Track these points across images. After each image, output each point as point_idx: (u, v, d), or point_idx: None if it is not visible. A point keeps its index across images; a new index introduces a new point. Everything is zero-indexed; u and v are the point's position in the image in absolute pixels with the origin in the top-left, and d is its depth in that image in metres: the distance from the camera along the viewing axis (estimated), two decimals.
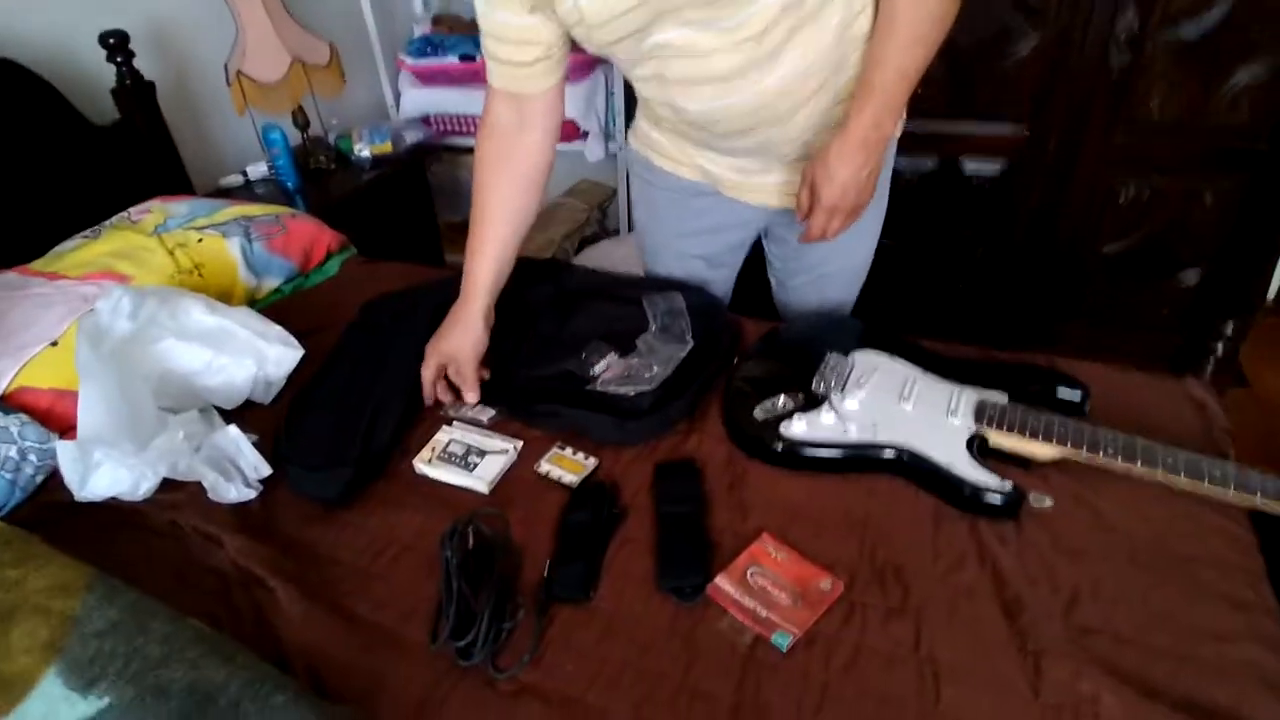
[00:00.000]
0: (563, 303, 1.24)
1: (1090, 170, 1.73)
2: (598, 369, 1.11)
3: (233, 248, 1.28)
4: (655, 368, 1.08)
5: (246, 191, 1.79)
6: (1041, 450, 0.92)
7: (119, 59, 1.50)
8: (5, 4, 1.42)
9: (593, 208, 2.59)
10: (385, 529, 0.91)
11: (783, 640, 0.76)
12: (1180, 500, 0.88)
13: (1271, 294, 2.30)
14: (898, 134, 1.16)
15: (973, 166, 1.82)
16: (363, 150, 1.92)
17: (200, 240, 1.27)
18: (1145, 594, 0.79)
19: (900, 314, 2.05)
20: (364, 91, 2.26)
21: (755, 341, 1.15)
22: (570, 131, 2.14)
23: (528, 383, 1.10)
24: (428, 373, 1.09)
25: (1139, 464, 0.87)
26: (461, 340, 1.10)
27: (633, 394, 1.05)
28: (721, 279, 1.32)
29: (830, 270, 1.27)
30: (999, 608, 0.79)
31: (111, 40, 1.48)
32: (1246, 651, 0.74)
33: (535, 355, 1.15)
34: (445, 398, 1.10)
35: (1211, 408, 1.06)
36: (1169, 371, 1.14)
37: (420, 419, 1.08)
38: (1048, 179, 1.76)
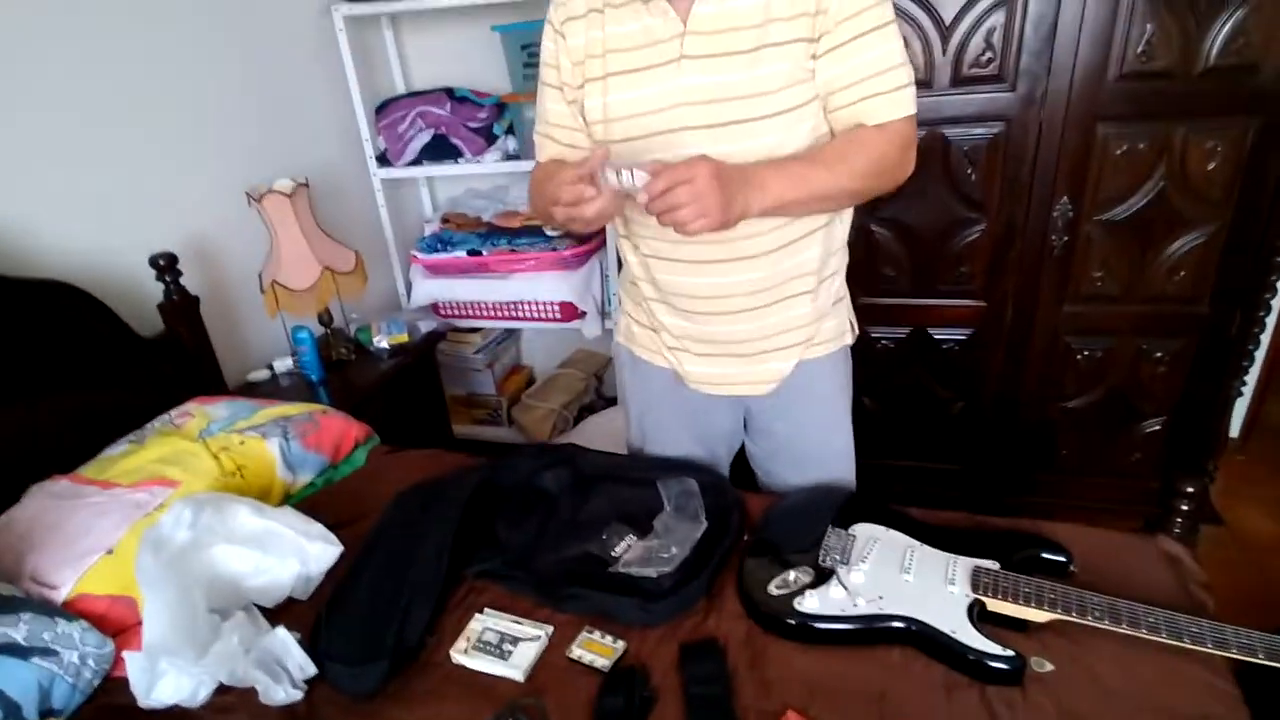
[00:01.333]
0: (579, 486, 1.33)
1: (1045, 336, 1.91)
2: (618, 550, 1.19)
3: (272, 448, 1.38)
4: (674, 548, 1.16)
5: (272, 385, 1.91)
6: (1035, 615, 1.00)
7: (168, 278, 1.67)
8: (59, 228, 1.57)
9: (590, 376, 2.75)
10: None
11: None
12: (1166, 656, 0.95)
13: (1236, 433, 2.45)
14: (849, 342, 1.32)
15: (942, 334, 2.00)
16: (381, 341, 2.07)
17: (242, 443, 1.37)
18: None
19: (894, 471, 2.18)
20: (380, 284, 2.46)
21: (759, 516, 1.24)
22: (569, 312, 2.32)
23: (551, 566, 1.17)
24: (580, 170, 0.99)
25: (1124, 626, 0.96)
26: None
27: (655, 575, 1.12)
28: (719, 460, 1.42)
29: (808, 458, 1.35)
30: None
31: (161, 262, 1.65)
32: None
33: (556, 539, 1.23)
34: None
35: (1185, 562, 1.14)
36: (1145, 520, 1.24)
37: (453, 606, 1.14)
38: (1009, 344, 1.94)
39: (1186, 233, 1.74)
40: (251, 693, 0.98)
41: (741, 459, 1.46)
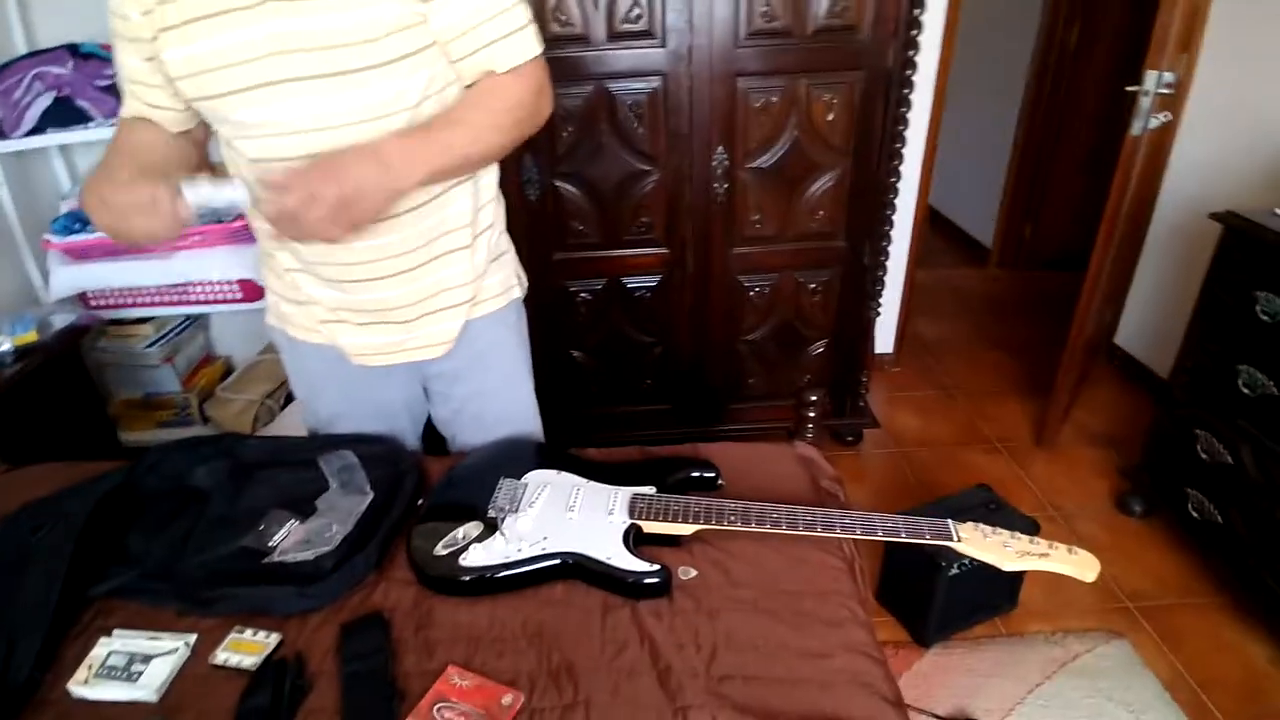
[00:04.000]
0: (236, 477, 1.22)
1: (721, 276, 2.09)
2: (276, 538, 1.10)
3: None
4: (335, 526, 1.10)
5: None
6: (683, 529, 1.09)
7: None
8: None
9: None
10: None
11: None
12: (791, 545, 1.09)
13: (888, 349, 2.89)
14: (518, 295, 1.32)
15: (634, 282, 2.10)
16: (2, 344, 1.73)
17: None
18: (765, 634, 0.96)
19: (611, 418, 2.27)
20: (5, 276, 2.04)
21: (438, 479, 1.22)
22: (252, 291, 2.11)
23: (195, 569, 1.06)
24: (153, 191, 0.92)
25: (754, 524, 1.07)
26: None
27: (314, 557, 1.05)
28: (405, 435, 1.36)
29: (493, 417, 1.34)
30: (655, 678, 0.91)
31: None
32: (842, 661, 0.93)
33: (206, 538, 1.11)
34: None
35: (817, 462, 1.31)
36: (787, 430, 1.40)
37: (74, 636, 0.99)
38: (693, 285, 2.10)
39: (820, 176, 1.99)
40: None
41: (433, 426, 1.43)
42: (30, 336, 1.77)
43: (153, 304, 2.13)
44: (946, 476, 2.36)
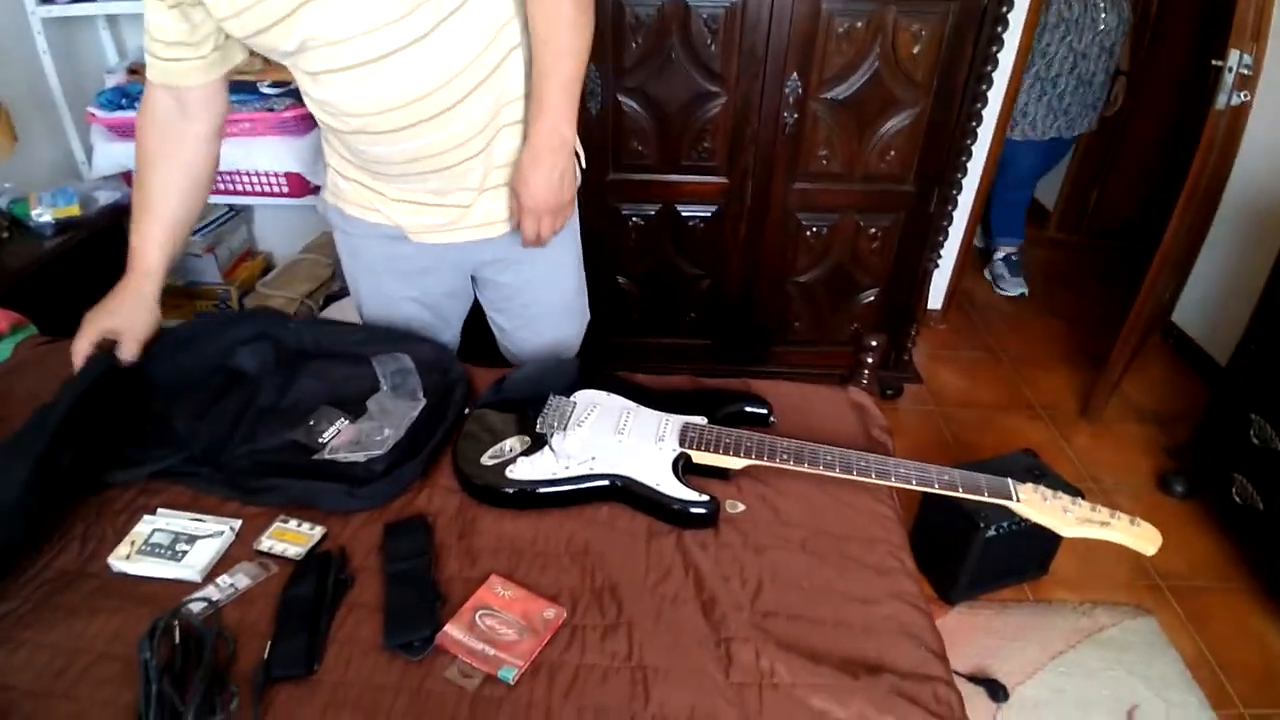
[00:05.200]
0: (284, 366, 1.19)
1: (779, 212, 2.01)
2: (327, 436, 1.09)
3: None
4: (387, 430, 1.09)
5: None
6: (733, 463, 1.06)
7: None
8: None
9: (335, 261, 2.51)
10: (70, 642, 0.83)
11: (508, 674, 0.80)
12: (841, 489, 1.06)
13: (939, 305, 2.80)
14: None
15: (688, 211, 2.03)
16: (42, 215, 1.71)
17: None
18: (810, 574, 0.94)
19: (651, 348, 2.23)
20: (46, 150, 2.01)
21: (485, 390, 1.20)
22: (299, 186, 2.06)
23: (244, 458, 1.05)
24: (83, 344, 1.06)
25: (806, 465, 1.04)
26: (133, 316, 1.09)
27: (365, 459, 1.04)
28: (445, 327, 1.35)
29: (539, 310, 1.35)
30: (698, 608, 0.89)
31: None
32: (888, 609, 0.91)
33: (255, 428, 1.10)
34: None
35: (870, 409, 1.27)
36: (840, 375, 1.36)
37: (114, 512, 0.99)
38: (749, 220, 2.02)
39: (897, 114, 1.88)
40: None
41: (476, 333, 1.40)
42: (73, 210, 1.75)
43: None
44: (985, 439, 2.31)
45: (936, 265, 2.17)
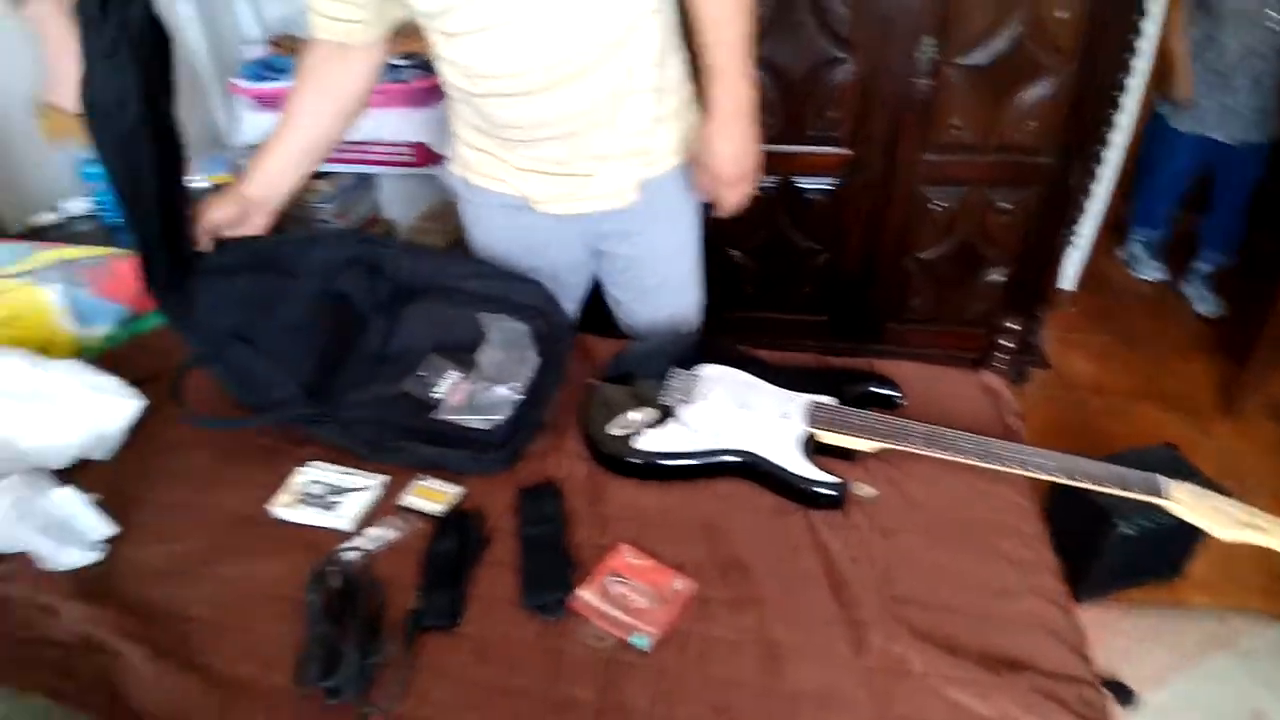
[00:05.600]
0: (388, 304, 1.17)
1: (906, 185, 1.93)
2: (440, 391, 1.10)
3: (50, 295, 1.20)
4: (503, 390, 1.10)
5: (65, 229, 1.66)
6: (862, 444, 1.04)
7: None
8: None
9: (454, 229, 2.58)
10: (242, 579, 0.90)
11: (641, 641, 0.82)
12: (976, 477, 1.02)
13: (1071, 286, 2.63)
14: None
15: (808, 183, 1.98)
16: (200, 182, 1.83)
17: (10, 290, 1.18)
18: (945, 563, 0.91)
19: (762, 323, 2.20)
20: (195, 118, 2.15)
21: (608, 361, 1.21)
22: (425, 156, 2.13)
23: (364, 411, 1.07)
24: (220, 213, 1.13)
25: (939, 450, 1.00)
26: (267, 194, 1.17)
27: (488, 426, 1.06)
28: (565, 301, 1.36)
29: (657, 282, 1.35)
30: (828, 588, 0.88)
31: None
32: (1028, 604, 0.88)
33: (367, 374, 1.11)
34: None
35: (1003, 395, 1.21)
36: (973, 358, 1.30)
37: (276, 462, 1.06)
38: (872, 193, 1.95)
39: (1039, 81, 1.76)
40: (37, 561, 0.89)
41: (593, 307, 1.41)
42: (226, 178, 1.86)
43: (333, 159, 2.19)
44: (1117, 430, 2.17)
45: (1071, 244, 2.04)
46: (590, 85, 1.07)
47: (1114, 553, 1.57)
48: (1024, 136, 1.84)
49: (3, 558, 0.90)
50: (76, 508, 0.92)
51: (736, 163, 1.14)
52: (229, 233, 1.16)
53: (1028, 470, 0.98)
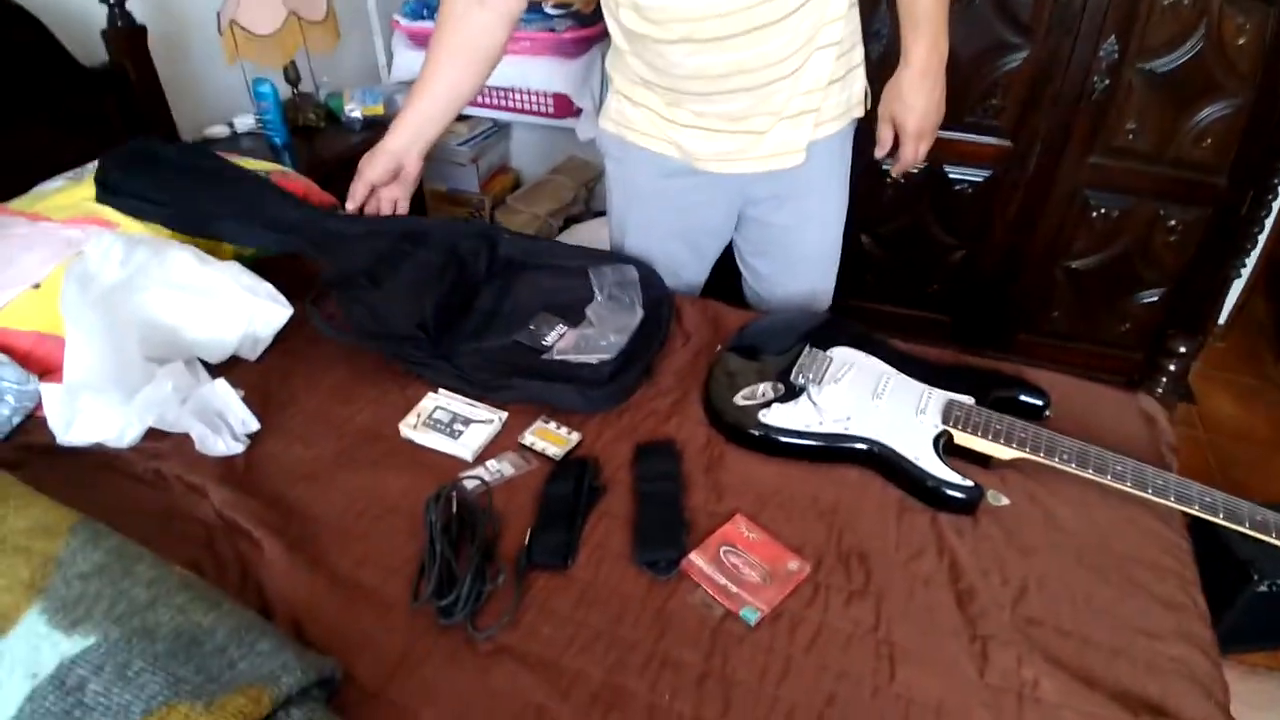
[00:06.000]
0: (501, 273, 1.26)
1: (1067, 187, 1.79)
2: (549, 339, 1.13)
3: None
4: (612, 336, 1.11)
5: (233, 144, 1.76)
6: (1001, 452, 0.98)
7: (111, 1, 1.47)
8: None
9: (580, 185, 2.60)
10: (369, 490, 0.93)
11: (751, 615, 0.80)
12: (1125, 505, 0.94)
13: (1223, 319, 2.41)
14: (859, 114, 1.24)
15: (958, 173, 1.87)
16: (354, 110, 1.90)
17: None
18: (1087, 590, 0.85)
19: (880, 316, 2.12)
20: (357, 50, 2.23)
21: (736, 331, 1.18)
22: (563, 108, 2.14)
23: (476, 357, 1.10)
24: (375, 172, 1.22)
25: (1090, 470, 0.93)
26: (411, 143, 1.22)
27: (595, 362, 1.08)
28: (698, 264, 1.35)
29: (804, 252, 1.31)
30: (953, 596, 0.84)
31: None
32: (1176, 649, 0.80)
33: (480, 329, 1.16)
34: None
35: (1160, 423, 1.12)
36: (1128, 379, 1.21)
37: (405, 385, 1.09)
38: (1027, 191, 1.83)
39: (1219, 99, 1.60)
40: (187, 441, 0.95)
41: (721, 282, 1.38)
42: (378, 109, 1.93)
43: (475, 104, 2.24)
44: (1255, 480, 1.98)
45: (1240, 275, 1.85)
46: (786, 33, 1.04)
47: (1247, 610, 1.44)
48: (1200, 153, 1.68)
49: (160, 436, 0.97)
50: (229, 399, 0.97)
51: (926, 117, 1.14)
52: (385, 192, 1.25)
53: (1190, 506, 0.90)
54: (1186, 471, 2.09)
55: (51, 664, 0.66)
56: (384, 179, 1.24)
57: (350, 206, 1.25)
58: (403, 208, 1.29)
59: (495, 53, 1.21)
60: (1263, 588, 1.41)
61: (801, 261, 1.32)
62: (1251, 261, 2.24)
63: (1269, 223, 2.06)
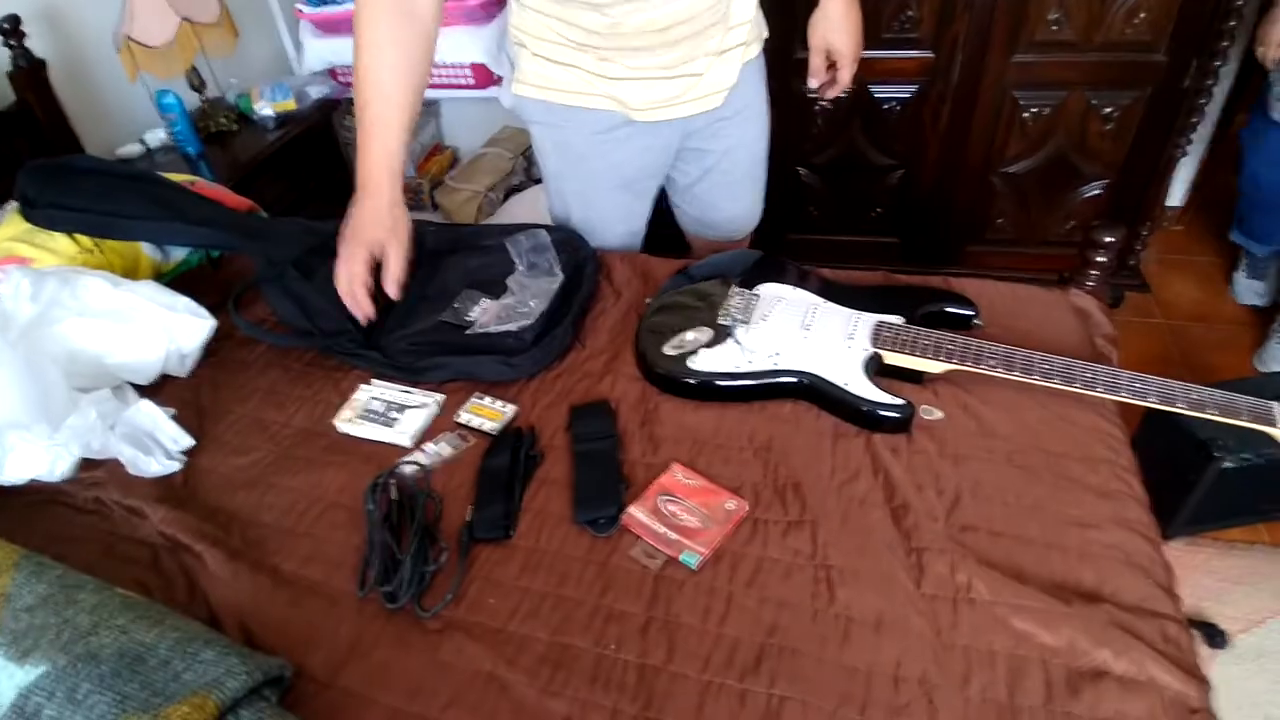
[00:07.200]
0: (423, 262, 1.22)
1: (993, 91, 1.77)
2: (473, 314, 1.13)
3: None
4: (532, 302, 1.12)
5: (147, 161, 1.72)
6: (931, 366, 0.98)
7: (12, 42, 1.44)
8: None
9: (518, 154, 2.56)
10: (308, 489, 0.94)
11: (691, 559, 0.81)
12: (1057, 402, 0.95)
13: (1180, 200, 2.40)
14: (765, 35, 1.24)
15: (884, 92, 1.84)
16: (264, 109, 1.85)
17: None
18: (1019, 491, 0.86)
19: (830, 246, 2.11)
20: (262, 46, 2.17)
21: (666, 281, 1.18)
22: (484, 78, 2.09)
23: (401, 342, 1.10)
24: (357, 266, 1.02)
25: (1017, 372, 0.94)
26: (395, 226, 1.05)
27: (517, 329, 1.08)
28: (642, 208, 1.35)
29: (740, 174, 1.34)
30: (888, 514, 0.85)
31: (5, 25, 1.43)
32: (1113, 536, 0.82)
33: (404, 316, 1.15)
34: (368, 309, 1.05)
35: (1095, 316, 1.12)
36: (1060, 275, 1.21)
37: (339, 379, 1.09)
38: (955, 101, 1.80)
39: None
40: (125, 467, 0.95)
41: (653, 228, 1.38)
42: (289, 104, 1.89)
43: None
44: (1221, 360, 2.00)
45: (1185, 153, 1.84)
46: None
47: (1212, 488, 1.46)
48: (1134, 31, 1.64)
49: (96, 464, 0.96)
50: (158, 419, 0.97)
51: (858, 39, 1.19)
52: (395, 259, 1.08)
53: (1118, 394, 0.91)
54: (1148, 360, 2.12)
55: (10, 694, 0.69)
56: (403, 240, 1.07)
57: (363, 316, 1.08)
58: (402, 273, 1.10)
59: (436, 35, 1.05)
60: (1227, 463, 1.43)
61: (742, 180, 1.35)
62: (1204, 135, 2.22)
63: (1218, 91, 2.03)
